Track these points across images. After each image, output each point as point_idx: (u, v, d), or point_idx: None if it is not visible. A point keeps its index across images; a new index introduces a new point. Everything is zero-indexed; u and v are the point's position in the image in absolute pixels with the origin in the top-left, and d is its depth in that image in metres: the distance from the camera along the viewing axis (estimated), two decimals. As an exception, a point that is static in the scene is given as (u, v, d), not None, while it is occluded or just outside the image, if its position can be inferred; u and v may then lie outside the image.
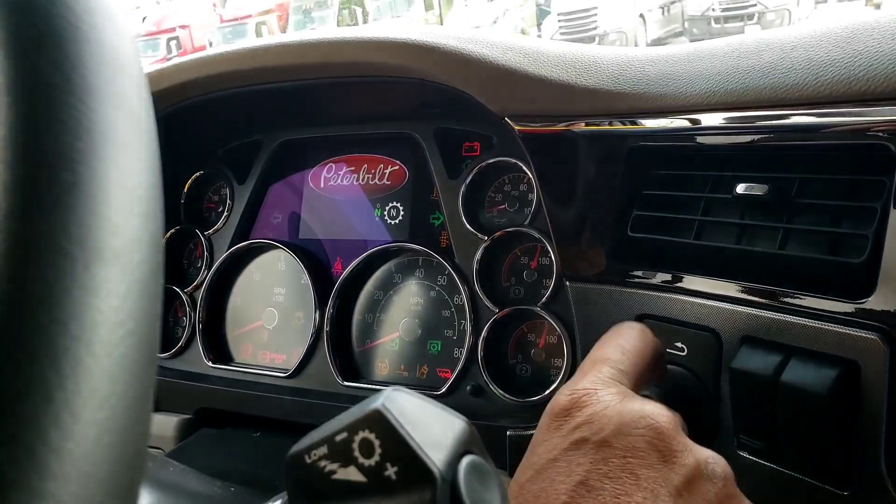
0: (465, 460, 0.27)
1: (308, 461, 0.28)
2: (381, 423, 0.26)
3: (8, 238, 0.17)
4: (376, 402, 0.27)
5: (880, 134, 0.43)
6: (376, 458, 0.26)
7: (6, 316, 0.17)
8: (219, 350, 0.91)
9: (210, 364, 0.89)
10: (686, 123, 0.53)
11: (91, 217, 0.19)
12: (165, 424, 0.86)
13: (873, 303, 0.43)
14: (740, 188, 0.51)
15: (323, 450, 0.27)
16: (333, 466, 0.27)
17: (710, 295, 0.53)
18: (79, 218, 0.18)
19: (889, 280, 0.42)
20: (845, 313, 0.44)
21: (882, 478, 0.43)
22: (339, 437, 0.27)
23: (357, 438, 0.27)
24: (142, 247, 0.20)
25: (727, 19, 7.98)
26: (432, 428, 0.27)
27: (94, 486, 0.17)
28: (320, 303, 0.83)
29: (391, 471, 0.26)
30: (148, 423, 0.21)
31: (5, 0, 0.21)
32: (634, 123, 0.56)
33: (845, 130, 0.44)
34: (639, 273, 0.57)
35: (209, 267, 0.92)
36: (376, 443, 0.26)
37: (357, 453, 0.27)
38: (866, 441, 0.44)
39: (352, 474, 0.27)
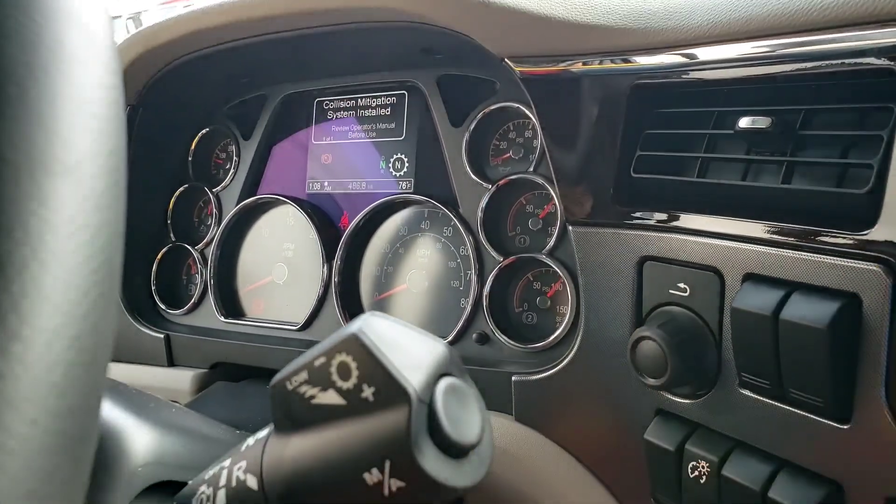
0: (443, 382, 0.27)
1: (290, 388, 0.28)
2: (357, 346, 0.27)
3: None
4: (352, 327, 0.27)
5: (886, 57, 0.41)
6: (353, 380, 0.26)
7: None
8: (231, 305, 0.92)
9: (223, 319, 0.90)
10: (686, 58, 0.52)
11: (38, 129, 0.19)
12: (182, 378, 0.88)
13: (876, 233, 0.42)
14: (743, 122, 0.49)
15: (303, 375, 0.28)
16: (314, 391, 0.27)
17: (712, 233, 0.52)
18: (24, 129, 0.18)
19: (893, 210, 0.41)
20: (847, 245, 0.43)
21: (882, 410, 0.42)
22: (317, 363, 0.27)
23: (335, 363, 0.27)
24: (98, 161, 0.20)
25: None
26: (409, 350, 0.27)
27: (47, 389, 0.17)
28: (328, 257, 0.84)
29: (368, 392, 0.26)
30: (110, 333, 0.21)
31: None
32: (632, 61, 0.55)
33: (850, 55, 0.43)
34: (640, 214, 0.57)
35: (219, 224, 0.92)
36: (353, 365, 0.26)
37: (335, 377, 0.27)
38: (867, 374, 0.43)
39: (331, 398, 0.27)
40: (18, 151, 0.18)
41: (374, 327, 0.27)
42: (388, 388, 0.26)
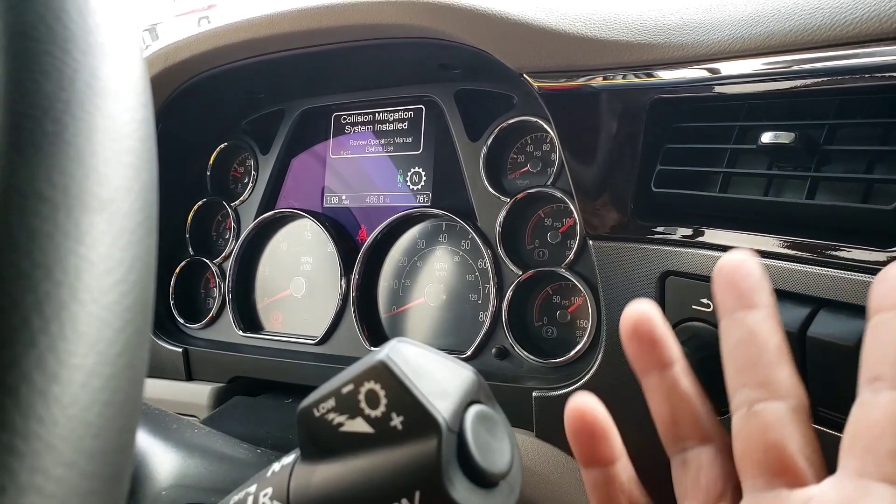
0: (472, 410, 0.27)
1: (317, 415, 0.28)
2: (385, 373, 0.26)
3: None
4: (380, 354, 0.27)
5: (913, 73, 0.40)
6: (382, 408, 0.26)
7: None
8: (249, 319, 0.93)
9: (241, 333, 0.91)
10: (707, 73, 0.51)
11: (75, 166, 0.19)
12: (200, 393, 0.88)
13: (905, 250, 0.41)
14: (766, 137, 0.49)
15: (330, 403, 0.28)
16: (341, 419, 0.27)
17: (736, 249, 0.51)
18: (62, 166, 0.18)
19: (921, 226, 0.40)
20: (876, 262, 0.42)
21: (914, 430, 0.42)
22: (345, 390, 0.27)
23: (363, 390, 0.27)
24: (131, 195, 0.20)
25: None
26: (437, 378, 0.27)
27: (84, 429, 0.17)
28: (346, 270, 0.84)
29: (397, 421, 0.26)
30: (143, 369, 0.21)
31: None
32: (654, 75, 0.54)
33: (875, 70, 0.42)
34: (662, 229, 0.56)
35: (237, 238, 0.93)
36: (381, 393, 0.26)
37: (364, 405, 0.27)
38: (898, 393, 0.42)
39: (359, 426, 0.27)
40: (56, 189, 0.18)
41: (402, 354, 0.27)
42: (418, 417, 0.25)
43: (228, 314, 0.92)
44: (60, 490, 0.17)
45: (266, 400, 0.87)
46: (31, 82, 0.19)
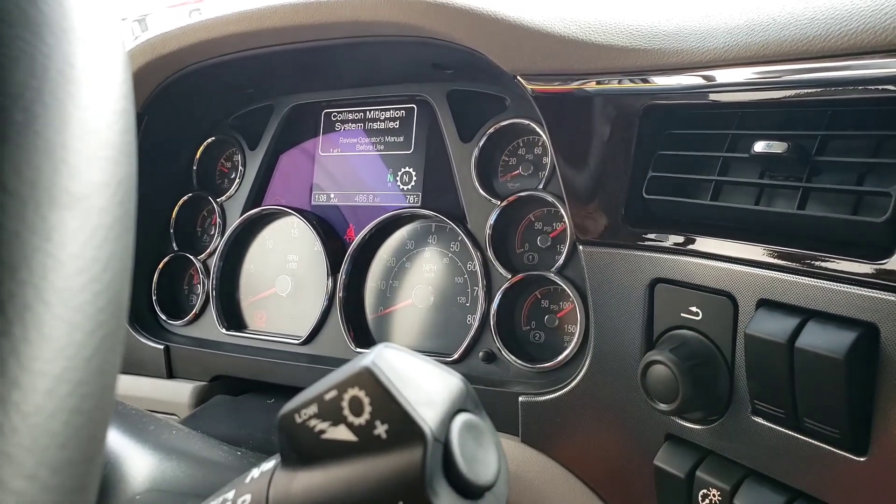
0: (459, 419, 0.26)
1: (298, 421, 0.27)
2: (370, 380, 0.26)
3: None
4: (366, 360, 0.26)
5: (907, 85, 0.40)
6: (366, 416, 0.26)
7: None
8: (233, 317, 0.91)
9: (224, 331, 0.89)
10: (702, 80, 0.51)
11: (44, 158, 0.18)
12: (181, 391, 0.87)
13: (894, 263, 0.41)
14: (758, 146, 0.49)
15: (313, 409, 0.27)
16: (323, 426, 0.27)
17: (726, 257, 0.51)
18: (30, 158, 0.17)
19: (913, 239, 0.40)
20: (865, 274, 0.42)
21: (901, 444, 0.41)
22: (328, 396, 0.26)
23: (347, 397, 0.26)
24: (107, 192, 0.19)
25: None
26: (424, 385, 0.26)
27: (48, 439, 0.16)
28: (333, 269, 0.83)
29: (381, 429, 0.25)
30: (114, 375, 0.20)
31: None
32: (648, 81, 0.54)
33: (868, 82, 0.42)
34: (653, 236, 0.56)
35: (222, 234, 0.92)
36: (366, 401, 0.26)
37: (347, 412, 0.26)
38: (884, 406, 0.42)
39: (342, 433, 0.26)
40: (23, 182, 0.17)
41: (387, 360, 0.26)
42: (403, 426, 0.25)
43: (212, 311, 0.90)
44: (24, 502, 0.16)
45: (248, 400, 0.86)
46: (1, 68, 0.17)
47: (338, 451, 0.26)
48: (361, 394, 0.26)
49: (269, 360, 0.83)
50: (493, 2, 0.62)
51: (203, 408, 0.83)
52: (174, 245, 0.95)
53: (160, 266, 0.95)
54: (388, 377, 0.25)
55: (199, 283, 0.93)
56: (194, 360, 0.87)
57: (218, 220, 0.93)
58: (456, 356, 0.74)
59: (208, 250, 0.92)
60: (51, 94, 0.18)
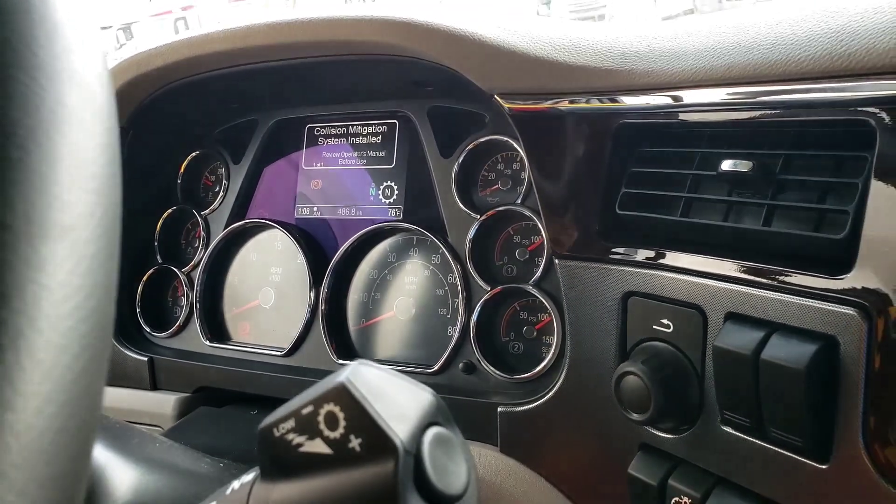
0: (430, 432, 0.28)
1: (276, 435, 0.28)
2: (345, 396, 0.27)
3: None
4: (341, 376, 0.27)
5: (862, 109, 0.42)
6: (341, 430, 0.27)
7: None
8: (216, 329, 0.92)
9: (208, 343, 0.90)
10: (671, 101, 0.53)
11: (37, 193, 0.19)
12: (164, 403, 0.87)
13: (852, 278, 0.43)
14: (725, 165, 0.51)
15: (290, 423, 0.28)
16: (301, 439, 0.28)
17: (696, 272, 0.53)
18: (24, 194, 0.18)
19: (868, 255, 0.42)
20: (825, 289, 0.44)
21: (859, 452, 0.43)
22: (305, 411, 0.28)
23: (322, 412, 0.27)
24: (93, 222, 0.20)
25: (737, -5, 7.83)
26: (397, 400, 0.27)
27: (36, 457, 0.17)
28: (316, 282, 0.84)
29: (355, 442, 0.26)
30: (99, 395, 0.21)
31: None
32: (618, 101, 0.56)
33: (827, 105, 0.44)
34: (625, 250, 0.58)
35: (206, 247, 0.92)
36: (341, 416, 0.27)
37: (322, 426, 0.27)
38: (845, 416, 0.44)
39: (318, 446, 0.27)
40: (17, 216, 0.18)
41: (362, 377, 0.27)
42: (376, 439, 0.26)
43: (195, 323, 0.91)
44: None
45: (231, 411, 0.86)
46: None
47: (314, 464, 0.27)
48: (336, 409, 0.27)
49: (252, 372, 0.84)
50: (470, 22, 0.63)
51: (186, 419, 0.83)
52: (158, 258, 0.96)
53: (144, 278, 0.95)
54: (361, 393, 0.27)
55: (184, 296, 0.94)
56: (178, 372, 0.88)
57: (202, 233, 0.93)
58: (436, 367, 0.75)
59: (192, 263, 0.93)
60: (44, 133, 0.19)
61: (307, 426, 0.27)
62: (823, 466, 0.45)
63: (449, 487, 0.27)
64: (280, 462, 0.28)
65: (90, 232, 0.20)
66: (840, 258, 0.44)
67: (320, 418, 0.27)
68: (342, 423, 0.27)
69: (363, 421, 0.26)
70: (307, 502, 0.27)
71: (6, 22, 0.20)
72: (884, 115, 0.42)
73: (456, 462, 0.28)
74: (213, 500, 0.32)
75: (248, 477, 0.31)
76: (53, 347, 0.18)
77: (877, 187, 0.42)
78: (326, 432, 0.27)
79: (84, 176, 0.20)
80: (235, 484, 0.32)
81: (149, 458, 0.41)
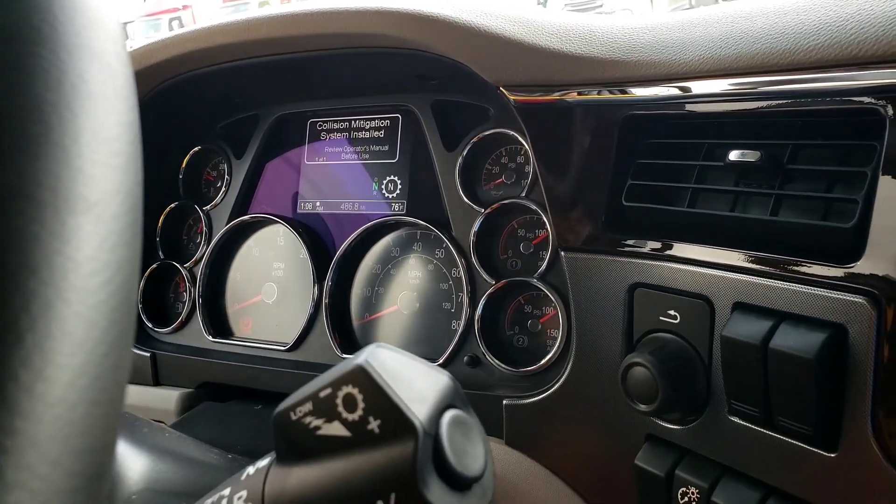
0: (448, 414, 0.28)
1: (294, 418, 0.28)
2: (363, 378, 0.27)
3: None
4: (359, 359, 0.27)
5: (870, 98, 0.42)
6: (359, 412, 0.27)
7: None
8: (219, 325, 0.92)
9: (210, 339, 0.90)
10: (678, 91, 0.53)
11: (62, 167, 0.19)
12: (167, 398, 0.87)
13: (861, 267, 0.43)
14: (733, 155, 0.51)
15: (307, 406, 0.28)
16: (318, 422, 0.28)
17: (703, 262, 0.53)
18: (49, 167, 0.18)
19: (877, 244, 0.42)
20: (834, 277, 0.44)
21: (868, 440, 0.43)
22: (323, 394, 0.28)
23: (340, 394, 0.27)
24: (118, 198, 0.20)
25: (734, -6, 7.84)
26: (415, 383, 0.27)
27: (69, 427, 0.18)
28: (319, 277, 0.84)
29: (374, 424, 0.26)
30: (126, 370, 0.21)
31: None
32: (627, 92, 0.56)
33: (836, 94, 0.44)
34: (632, 242, 0.58)
35: (208, 242, 0.92)
36: (359, 397, 0.27)
37: (341, 408, 0.27)
38: (853, 404, 0.44)
39: (336, 429, 0.27)
40: (43, 189, 0.18)
41: (380, 359, 0.27)
42: (395, 421, 0.26)
43: (198, 319, 0.91)
44: (46, 487, 0.17)
45: (235, 406, 0.86)
46: (18, 84, 0.19)
47: (332, 447, 0.27)
48: (355, 391, 0.27)
49: (255, 367, 0.84)
50: (476, 14, 0.63)
51: (190, 414, 0.83)
52: (160, 253, 0.96)
53: (147, 274, 0.95)
54: (380, 375, 0.27)
55: (186, 291, 0.93)
56: (181, 367, 0.88)
57: (204, 228, 0.93)
58: (441, 361, 0.75)
59: (194, 258, 0.93)
60: (66, 107, 0.19)
61: (325, 409, 0.27)
62: (832, 455, 0.45)
63: (467, 469, 0.27)
64: (297, 446, 0.28)
65: (116, 208, 0.20)
66: (849, 247, 0.44)
67: (338, 401, 0.27)
68: (361, 405, 0.27)
69: (382, 403, 0.26)
70: (326, 485, 0.27)
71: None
72: (892, 104, 0.42)
73: (473, 444, 0.28)
74: (227, 485, 0.32)
75: (263, 462, 0.31)
76: (83, 321, 0.18)
77: (886, 176, 0.42)
78: (345, 415, 0.27)
79: (108, 152, 0.20)
80: (251, 469, 0.32)
81: (159, 448, 0.41)
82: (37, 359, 0.17)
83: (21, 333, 0.17)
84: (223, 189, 0.93)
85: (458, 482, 0.26)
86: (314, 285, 0.84)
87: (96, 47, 0.21)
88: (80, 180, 0.19)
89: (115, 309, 0.20)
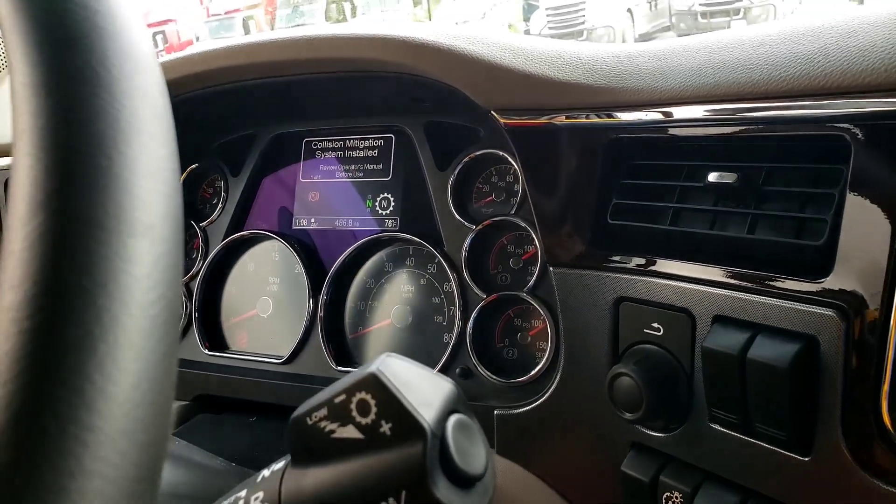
0: (453, 418, 0.30)
1: (309, 423, 0.31)
2: (376, 384, 0.29)
3: (53, 214, 0.20)
4: (372, 367, 0.30)
5: (837, 125, 0.46)
6: (372, 416, 0.29)
7: (53, 281, 0.20)
8: (215, 338, 0.94)
9: (206, 352, 0.92)
10: (661, 116, 0.56)
11: (124, 196, 0.22)
12: (164, 410, 0.88)
13: (831, 282, 0.46)
14: (712, 177, 0.54)
15: (323, 412, 0.30)
16: (333, 426, 0.30)
17: (684, 277, 0.56)
18: (113, 196, 0.21)
19: (845, 260, 0.45)
20: (806, 292, 0.47)
21: (839, 444, 0.46)
22: (337, 399, 0.30)
23: (354, 400, 0.30)
24: (168, 222, 0.23)
25: (713, 14, 8.00)
26: (423, 389, 0.30)
27: (134, 424, 0.20)
28: (314, 291, 0.86)
29: (386, 427, 0.29)
30: (174, 375, 0.24)
31: (40, 5, 0.23)
32: (613, 116, 0.59)
33: (806, 121, 0.47)
34: (617, 258, 0.61)
35: (205, 257, 0.94)
36: (372, 402, 0.29)
37: (355, 413, 0.30)
38: (825, 410, 0.47)
39: (350, 432, 0.30)
40: (108, 216, 0.21)
41: (391, 367, 0.30)
42: (405, 424, 0.28)
43: (194, 332, 0.93)
44: (118, 475, 0.20)
45: (230, 418, 0.88)
46: (85, 122, 0.21)
47: (347, 449, 0.29)
48: (368, 396, 0.29)
49: (250, 380, 0.86)
50: (470, 42, 0.66)
51: (186, 426, 0.85)
52: (156, 268, 0.97)
53: (142, 289, 0.96)
54: (391, 382, 0.29)
55: (182, 305, 0.95)
56: (178, 380, 0.89)
57: (200, 244, 0.95)
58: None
59: (191, 273, 0.95)
60: (124, 142, 0.22)
61: (340, 413, 0.30)
62: (806, 459, 0.48)
63: (471, 468, 0.29)
64: (312, 449, 0.31)
65: (166, 230, 0.23)
66: (819, 263, 0.48)
67: (352, 406, 0.29)
68: (373, 409, 0.29)
69: (393, 407, 0.29)
70: (341, 484, 0.29)
71: (86, 45, 0.23)
72: (858, 130, 0.45)
73: (476, 445, 0.30)
74: (243, 487, 0.34)
75: (278, 465, 0.34)
76: (144, 331, 0.21)
77: (852, 197, 0.45)
78: (358, 419, 0.29)
79: (158, 181, 0.23)
80: (265, 472, 0.34)
81: (169, 454, 0.43)
82: (109, 365, 0.20)
83: (95, 343, 0.20)
84: (220, 206, 0.95)
85: (462, 480, 0.29)
86: (309, 299, 0.86)
87: (144, 88, 0.24)
88: (138, 206, 0.22)
89: (167, 321, 0.22)
